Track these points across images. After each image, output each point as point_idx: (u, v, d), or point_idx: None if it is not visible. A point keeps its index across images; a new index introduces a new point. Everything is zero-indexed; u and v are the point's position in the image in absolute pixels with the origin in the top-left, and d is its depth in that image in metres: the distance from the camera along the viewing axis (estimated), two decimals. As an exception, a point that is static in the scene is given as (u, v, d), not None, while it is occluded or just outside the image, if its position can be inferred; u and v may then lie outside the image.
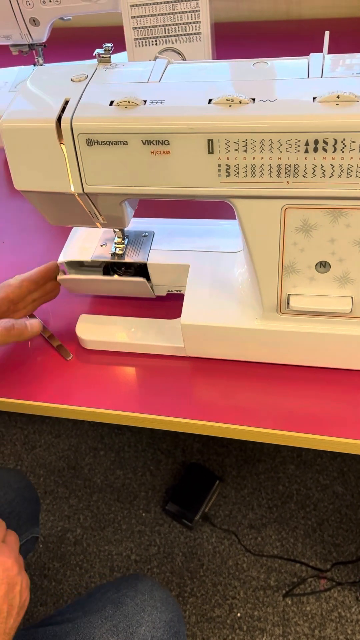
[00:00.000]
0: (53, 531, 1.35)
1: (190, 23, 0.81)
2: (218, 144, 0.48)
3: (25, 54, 0.94)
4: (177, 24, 0.82)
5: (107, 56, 0.56)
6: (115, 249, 0.67)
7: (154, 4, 0.80)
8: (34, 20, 0.87)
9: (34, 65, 0.99)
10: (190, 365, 0.66)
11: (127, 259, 0.67)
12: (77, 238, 0.71)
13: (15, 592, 0.56)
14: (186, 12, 0.81)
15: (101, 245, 0.69)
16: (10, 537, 0.61)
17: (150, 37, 0.83)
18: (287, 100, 0.48)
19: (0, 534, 0.61)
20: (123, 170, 0.51)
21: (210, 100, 0.49)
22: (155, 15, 0.81)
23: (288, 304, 0.57)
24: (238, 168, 0.49)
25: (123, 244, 0.68)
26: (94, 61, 0.57)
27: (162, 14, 0.81)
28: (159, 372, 0.65)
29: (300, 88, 0.49)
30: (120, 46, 0.78)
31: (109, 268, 0.70)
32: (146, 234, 0.69)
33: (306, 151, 0.47)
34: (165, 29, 0.82)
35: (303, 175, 0.48)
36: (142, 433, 1.49)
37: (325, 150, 0.46)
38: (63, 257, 0.69)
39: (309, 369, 0.63)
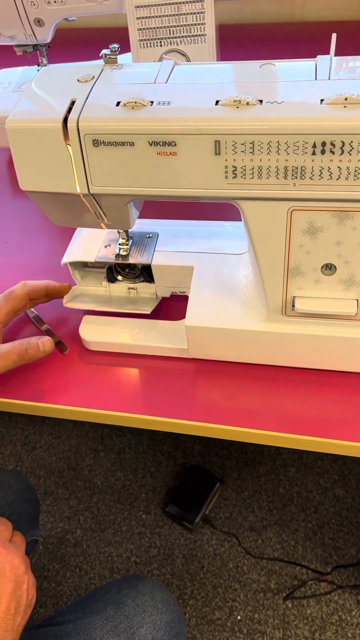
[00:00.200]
0: (53, 532, 1.35)
1: (195, 25, 0.81)
2: (225, 145, 0.48)
3: (29, 55, 0.94)
4: (182, 26, 0.82)
5: (114, 57, 0.56)
6: (120, 250, 0.67)
7: (159, 5, 0.80)
8: (38, 21, 0.87)
9: (38, 66, 0.99)
10: (193, 367, 0.65)
11: (131, 260, 0.67)
12: (81, 239, 0.71)
13: (22, 590, 0.57)
14: (191, 13, 0.80)
15: (105, 246, 0.69)
16: (16, 537, 0.63)
17: (155, 39, 0.83)
18: (295, 102, 0.48)
19: (8, 533, 0.62)
20: (129, 171, 0.51)
21: (217, 102, 0.49)
22: (160, 16, 0.81)
23: (293, 306, 0.57)
24: (245, 170, 0.49)
25: (127, 245, 0.68)
26: (100, 62, 0.57)
27: (167, 15, 0.81)
28: (162, 373, 0.65)
29: (307, 90, 0.49)
30: (124, 47, 0.78)
31: (112, 269, 0.70)
32: (150, 235, 0.69)
33: (313, 153, 0.47)
34: (170, 30, 0.82)
35: (310, 178, 0.48)
36: (142, 434, 1.49)
37: (332, 152, 0.46)
38: (67, 258, 0.69)
39: (313, 372, 0.63)
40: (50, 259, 0.78)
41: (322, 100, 0.47)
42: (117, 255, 0.67)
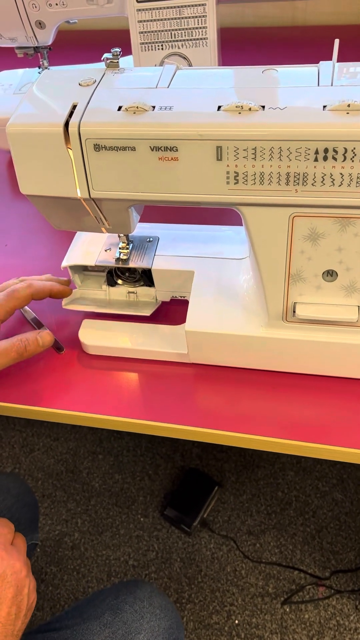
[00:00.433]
0: (50, 535, 1.34)
1: (196, 28, 0.81)
2: (227, 151, 0.48)
3: (30, 57, 0.94)
4: (183, 29, 0.82)
5: (115, 61, 0.56)
6: (120, 254, 0.67)
7: (160, 8, 0.80)
8: (39, 23, 0.87)
9: (39, 68, 0.99)
10: (193, 371, 0.65)
11: (132, 264, 0.67)
12: (81, 242, 0.71)
13: (23, 594, 0.57)
14: (193, 17, 0.80)
15: (105, 250, 0.68)
16: (18, 539, 0.62)
17: (157, 42, 0.83)
18: (297, 108, 0.48)
19: (10, 536, 0.62)
20: (130, 175, 0.51)
21: (219, 107, 0.48)
22: (161, 19, 0.81)
23: (294, 312, 0.57)
24: (247, 175, 0.48)
25: (127, 249, 0.67)
26: (102, 65, 0.57)
27: (168, 19, 0.81)
28: (162, 378, 0.65)
29: (310, 96, 0.49)
30: (125, 50, 0.78)
31: (112, 273, 0.69)
32: (151, 239, 0.69)
33: (316, 160, 0.46)
34: (171, 33, 0.82)
35: (312, 184, 0.48)
36: (141, 437, 1.48)
37: (335, 159, 0.46)
38: (67, 261, 0.68)
39: (314, 378, 0.63)
40: (50, 262, 0.78)
41: (324, 106, 0.47)
42: (118, 259, 0.67)
